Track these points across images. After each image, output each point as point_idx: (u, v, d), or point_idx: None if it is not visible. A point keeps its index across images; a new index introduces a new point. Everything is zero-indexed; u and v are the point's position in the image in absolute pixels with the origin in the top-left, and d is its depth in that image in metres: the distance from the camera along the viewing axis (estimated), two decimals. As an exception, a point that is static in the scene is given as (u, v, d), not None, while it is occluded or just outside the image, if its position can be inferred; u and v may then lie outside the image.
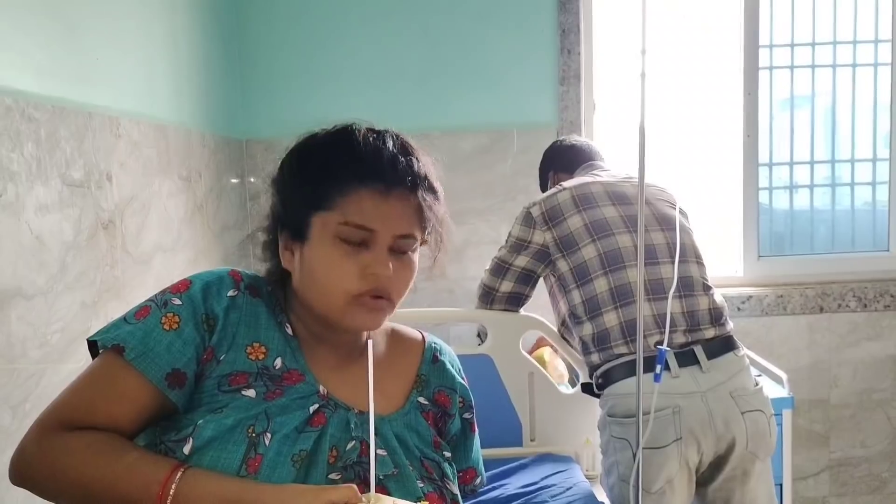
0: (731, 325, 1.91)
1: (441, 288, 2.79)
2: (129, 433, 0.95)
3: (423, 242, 1.05)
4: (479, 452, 1.23)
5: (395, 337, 1.17)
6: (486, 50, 2.75)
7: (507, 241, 2.02)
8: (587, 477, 2.01)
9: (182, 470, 0.88)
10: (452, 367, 1.18)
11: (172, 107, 2.05)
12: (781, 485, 2.15)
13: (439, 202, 1.04)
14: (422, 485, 1.01)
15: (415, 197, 0.99)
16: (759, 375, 2.20)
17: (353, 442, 0.99)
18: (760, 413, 1.82)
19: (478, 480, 1.22)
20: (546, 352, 2.36)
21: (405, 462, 1.02)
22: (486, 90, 2.76)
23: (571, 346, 2.05)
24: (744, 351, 1.91)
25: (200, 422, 0.94)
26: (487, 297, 2.08)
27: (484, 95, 2.76)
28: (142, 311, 0.99)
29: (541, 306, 2.14)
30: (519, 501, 1.81)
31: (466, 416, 1.18)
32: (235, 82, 2.66)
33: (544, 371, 2.17)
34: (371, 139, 1.00)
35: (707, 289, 1.92)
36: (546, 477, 1.93)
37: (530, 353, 2.25)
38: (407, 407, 1.09)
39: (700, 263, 1.95)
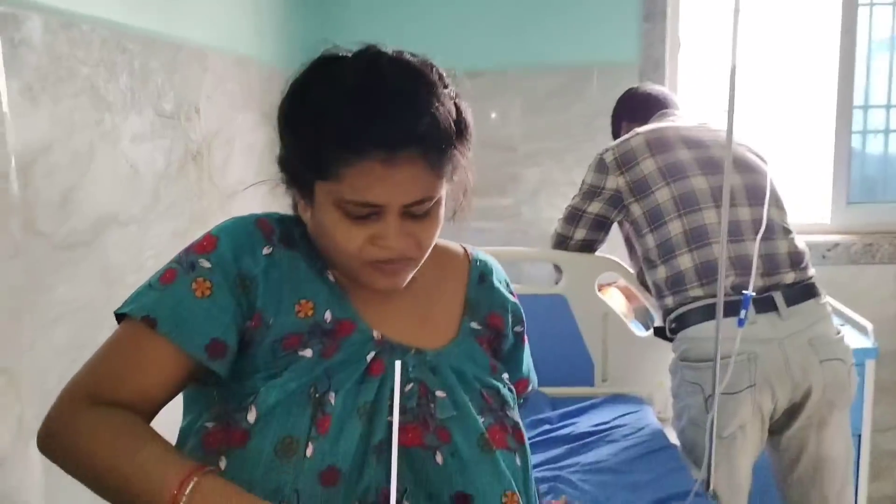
0: (812, 271, 1.86)
1: (514, 228, 2.79)
2: (160, 402, 0.92)
3: (451, 181, 0.95)
4: (530, 359, 1.18)
5: (437, 255, 1.05)
6: (568, -15, 2.67)
7: (580, 189, 2.01)
8: (658, 419, 2.01)
9: (195, 480, 0.81)
10: (500, 284, 1.12)
11: (255, 43, 2.08)
12: (860, 436, 2.11)
13: (462, 141, 0.93)
14: (482, 419, 0.98)
15: (428, 154, 0.88)
16: (843, 325, 2.15)
17: (412, 384, 0.96)
18: (840, 362, 1.78)
19: (529, 388, 1.18)
20: (613, 291, 2.34)
21: (464, 399, 0.98)
22: (566, 27, 2.69)
23: (648, 292, 2.04)
24: (826, 299, 1.86)
25: (262, 389, 0.90)
26: (562, 246, 2.09)
27: (563, 32, 2.69)
28: (166, 274, 0.93)
29: (617, 247, 2.12)
30: (591, 439, 1.83)
31: (517, 329, 1.13)
32: (316, 19, 2.67)
33: (618, 312, 2.16)
34: (371, 88, 0.88)
35: (787, 232, 1.87)
36: (618, 417, 1.94)
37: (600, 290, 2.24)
38: (460, 336, 1.05)
39: (780, 207, 1.90)
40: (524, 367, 1.16)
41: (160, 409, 0.93)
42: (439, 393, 0.97)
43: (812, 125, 2.84)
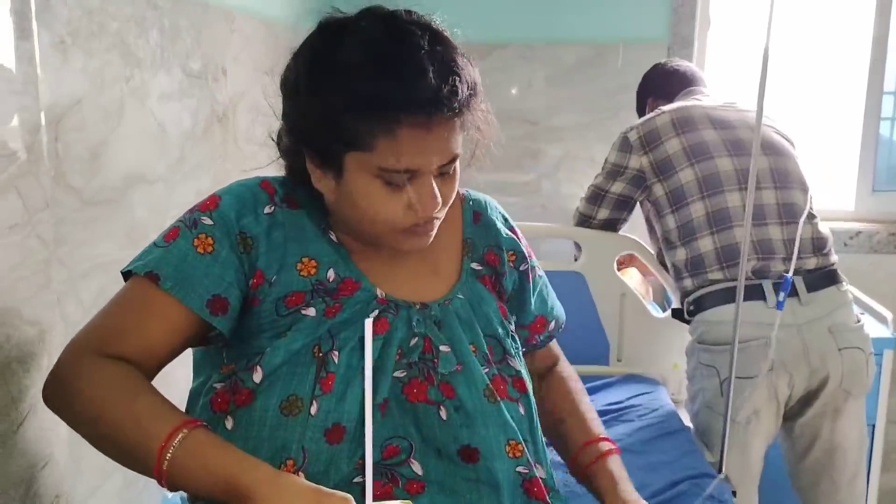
0: (835, 258, 1.84)
1: (534, 203, 2.77)
2: (164, 358, 0.93)
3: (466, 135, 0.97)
4: (547, 295, 1.18)
5: None
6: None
7: (603, 168, 1.99)
8: (673, 401, 2.01)
9: (183, 433, 0.83)
10: (497, 220, 1.12)
11: (283, 5, 2.06)
12: (874, 426, 2.10)
13: (478, 101, 0.94)
14: (486, 370, 0.99)
15: (460, 114, 0.90)
16: (863, 314, 2.13)
17: (416, 339, 0.97)
18: (859, 351, 1.77)
19: (551, 325, 1.18)
20: (632, 272, 2.33)
21: (468, 352, 0.98)
22: (594, 0, 2.64)
23: (667, 272, 2.02)
24: (847, 286, 1.84)
25: (268, 349, 0.91)
26: (585, 225, 2.08)
27: (591, 5, 2.65)
28: (171, 232, 0.94)
29: (637, 226, 2.10)
30: (605, 418, 1.83)
31: (522, 267, 1.11)
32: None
33: (636, 291, 2.15)
34: (397, 53, 0.87)
35: (811, 217, 1.85)
36: (632, 397, 1.94)
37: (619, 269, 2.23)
38: (463, 277, 1.05)
39: (805, 191, 1.87)
40: (537, 305, 1.15)
41: (164, 364, 0.94)
42: (443, 348, 0.98)
43: (841, 110, 2.80)
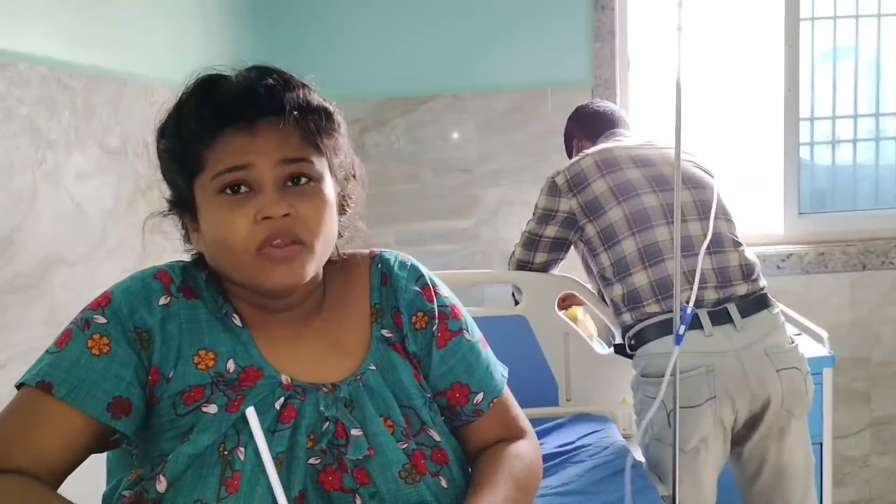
0: (763, 282, 1.89)
1: (474, 250, 2.79)
2: (62, 467, 0.87)
3: (335, 176, 0.96)
4: (475, 362, 1.06)
5: (343, 269, 1.04)
6: (518, 7, 2.70)
7: (534, 214, 2.03)
8: (624, 436, 2.01)
9: None
10: (402, 279, 1.05)
11: (188, 77, 2.06)
12: (822, 443, 2.14)
13: (333, 126, 0.94)
14: (404, 446, 0.94)
15: (291, 121, 0.89)
16: (799, 334, 2.18)
17: (328, 423, 0.93)
18: (796, 370, 1.80)
19: (478, 397, 1.04)
20: (579, 311, 2.36)
21: (382, 432, 0.94)
22: (519, 48, 2.72)
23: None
24: (779, 308, 1.89)
25: (171, 456, 0.87)
26: (523, 270, 2.09)
27: (516, 53, 2.72)
28: (63, 336, 0.90)
29: (575, 266, 2.13)
30: (556, 461, 1.82)
31: (432, 328, 1.04)
32: (265, 49, 2.66)
33: (579, 331, 2.17)
34: (224, 78, 0.92)
35: (737, 245, 1.90)
36: (583, 436, 1.94)
37: (560, 309, 2.25)
38: (373, 346, 1.00)
39: (728, 220, 1.93)
40: (455, 371, 1.04)
41: (64, 475, 0.88)
42: (354, 431, 0.93)
43: (761, 138, 2.90)
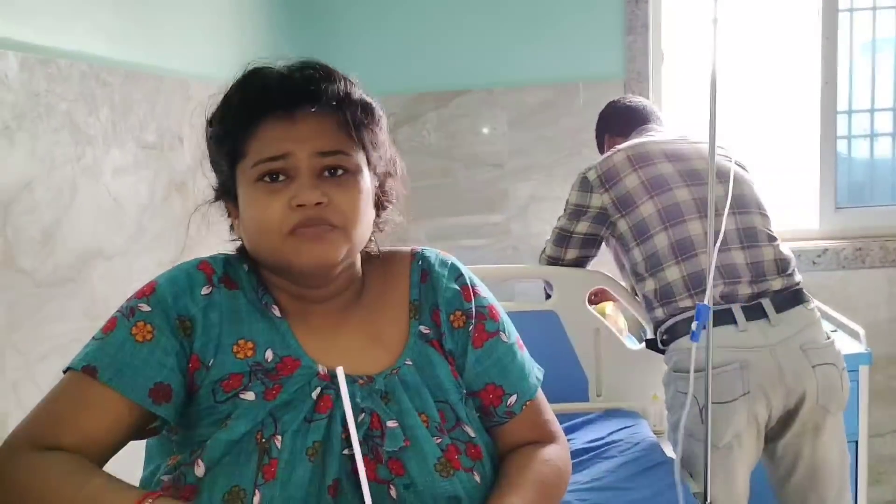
0: (799, 277, 1.87)
1: (505, 245, 2.79)
2: (107, 447, 0.90)
3: (373, 170, 0.97)
4: (510, 364, 1.06)
5: (383, 265, 1.06)
6: (551, 1, 2.69)
7: (565, 210, 2.02)
8: (654, 432, 2.00)
9: (149, 501, 0.81)
10: (443, 277, 1.05)
11: (236, 64, 2.08)
12: (857, 441, 2.10)
13: (373, 120, 0.97)
14: (438, 440, 0.95)
15: (332, 112, 0.93)
16: (835, 331, 2.15)
17: (363, 415, 0.94)
18: (832, 367, 1.78)
19: (511, 399, 1.04)
20: (608, 306, 2.34)
21: (417, 425, 0.95)
22: (551, 42, 2.70)
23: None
24: (814, 304, 1.87)
25: (209, 441, 0.89)
26: (554, 266, 2.09)
27: (548, 48, 2.71)
28: (109, 323, 0.93)
29: (607, 262, 2.12)
30: (586, 456, 1.82)
31: (469, 328, 1.04)
32: (298, 45, 2.68)
33: (610, 326, 2.16)
34: (268, 69, 0.95)
35: (771, 239, 1.88)
36: (613, 432, 1.93)
37: (590, 304, 2.24)
38: (411, 341, 1.01)
39: (763, 214, 1.91)
40: (489, 372, 1.04)
41: (109, 453, 0.90)
42: (390, 423, 0.94)
43: (798, 131, 2.86)
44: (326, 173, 0.93)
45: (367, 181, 0.96)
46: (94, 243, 1.29)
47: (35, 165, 1.13)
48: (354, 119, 0.94)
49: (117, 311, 0.94)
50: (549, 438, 1.08)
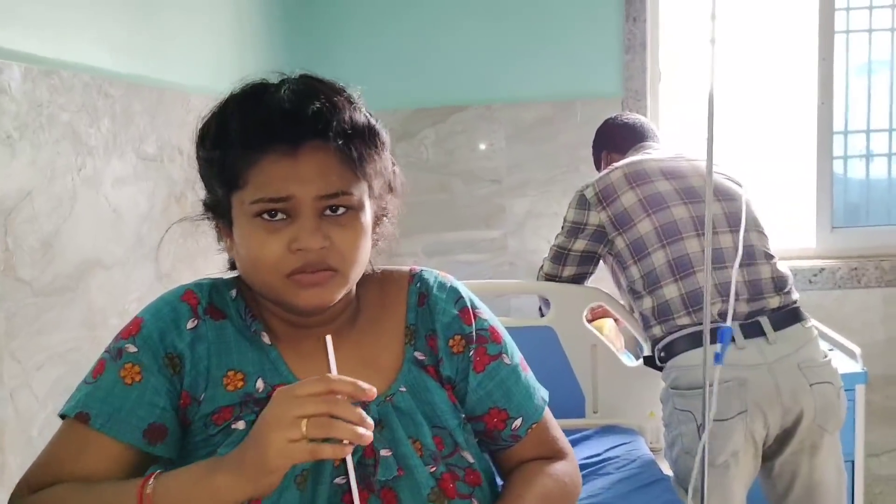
0: (796, 295, 1.88)
1: (502, 260, 2.79)
2: None
3: (374, 197, 0.94)
4: (514, 387, 1.03)
5: (380, 286, 1.02)
6: (550, 19, 2.71)
7: (563, 227, 2.02)
8: (651, 450, 2.00)
9: (153, 477, 0.82)
10: (441, 301, 1.03)
11: (236, 78, 2.10)
12: (853, 461, 2.10)
13: (377, 147, 0.91)
14: (433, 469, 0.93)
15: (336, 147, 0.87)
16: (832, 350, 2.15)
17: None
18: (829, 385, 1.78)
19: (516, 423, 1.02)
20: (606, 323, 2.35)
21: (411, 454, 0.93)
22: (550, 59, 2.72)
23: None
24: (811, 322, 1.87)
25: None
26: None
27: (547, 65, 2.73)
28: (97, 367, 0.92)
29: (605, 279, 2.13)
30: (583, 472, 1.80)
31: (470, 353, 1.01)
32: (297, 60, 2.69)
33: (608, 343, 2.16)
34: (270, 91, 0.89)
35: (769, 257, 1.89)
36: (609, 449, 1.93)
37: (589, 321, 2.24)
38: (405, 367, 0.99)
39: (760, 232, 1.92)
40: (493, 396, 1.02)
41: None
42: (384, 452, 0.92)
43: (794, 151, 2.87)
44: (328, 211, 0.89)
45: (368, 215, 0.93)
46: (93, 253, 1.29)
47: (36, 175, 1.13)
48: (360, 154, 0.89)
49: (105, 352, 0.93)
50: (557, 456, 1.06)
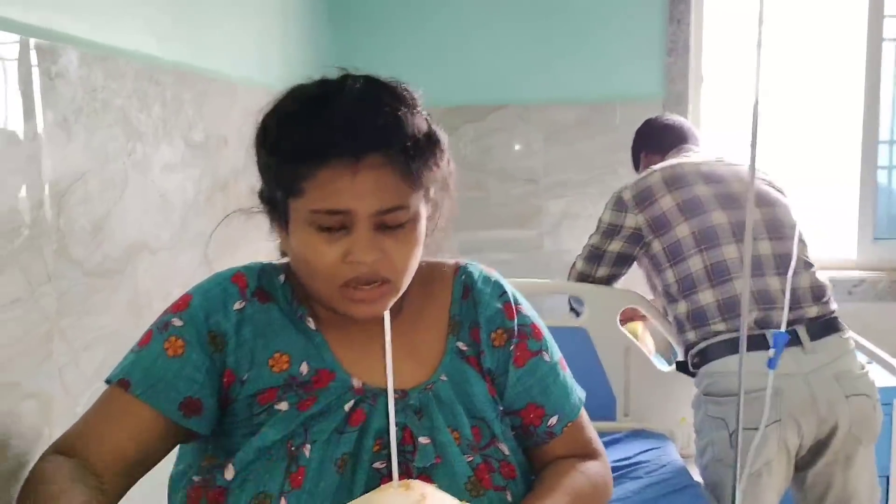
0: (834, 305, 1.85)
1: (537, 261, 2.79)
2: (135, 460, 0.90)
3: (429, 200, 0.94)
4: (552, 385, 1.04)
5: (425, 277, 1.02)
6: (591, 20, 2.70)
7: (598, 228, 2.02)
8: (681, 456, 1.98)
9: None
10: (485, 295, 1.03)
11: (283, 75, 2.12)
12: (888, 476, 2.07)
13: (435, 156, 0.91)
14: (470, 459, 0.94)
15: (396, 160, 0.87)
16: (869, 363, 2.12)
17: (396, 429, 0.93)
18: (866, 397, 1.76)
19: (552, 420, 1.03)
20: (639, 326, 2.33)
21: (448, 442, 0.94)
22: (590, 60, 2.72)
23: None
24: (849, 333, 1.84)
25: (240, 450, 0.91)
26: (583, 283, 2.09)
27: (587, 66, 2.72)
28: (145, 337, 0.94)
29: (635, 280, 2.12)
30: (613, 475, 1.80)
31: (510, 347, 1.02)
32: (340, 55, 2.72)
33: (640, 346, 2.15)
34: (330, 98, 0.88)
35: (808, 266, 1.87)
36: (640, 453, 1.92)
37: (621, 324, 2.23)
38: (447, 358, 1.00)
39: (801, 240, 1.89)
40: (531, 392, 1.03)
41: (137, 468, 0.91)
42: (422, 439, 0.94)
43: (837, 160, 2.83)
44: (383, 223, 0.89)
45: (423, 223, 0.93)
46: (140, 237, 1.31)
47: (90, 158, 1.16)
48: (419, 166, 0.89)
49: (153, 324, 0.96)
50: (590, 455, 1.07)
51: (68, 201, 1.10)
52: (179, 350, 0.91)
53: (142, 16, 1.37)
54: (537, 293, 2.53)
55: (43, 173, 1.04)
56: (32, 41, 1.03)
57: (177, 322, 0.93)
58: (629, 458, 1.90)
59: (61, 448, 0.89)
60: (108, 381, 0.93)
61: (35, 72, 1.03)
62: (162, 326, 0.94)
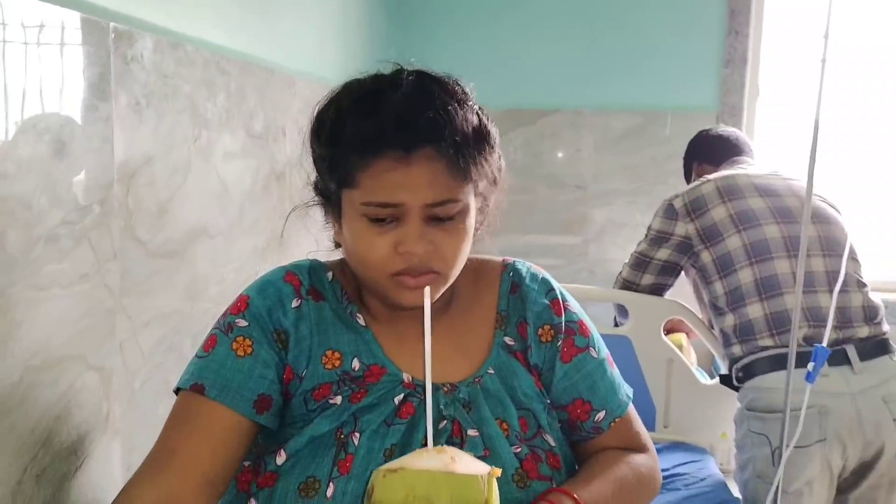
0: (887, 327, 1.82)
1: (581, 267, 2.78)
2: (224, 465, 0.91)
3: (479, 194, 0.95)
4: (600, 381, 1.05)
5: (473, 273, 1.04)
6: (648, 29, 2.69)
7: (646, 235, 2.00)
8: (721, 471, 1.96)
9: None
10: (533, 291, 1.05)
11: (342, 69, 2.15)
12: (934, 504, 2.01)
13: (486, 150, 0.92)
14: (518, 449, 0.96)
15: (447, 154, 0.88)
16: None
17: (445, 422, 0.95)
18: (916, 423, 1.72)
19: (599, 415, 1.04)
20: (683, 337, 2.31)
21: (497, 435, 0.96)
22: (645, 69, 2.70)
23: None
24: (900, 356, 1.81)
25: (292, 437, 0.93)
26: (629, 290, 2.07)
27: (641, 74, 2.71)
28: (209, 341, 0.95)
29: (683, 292, 2.10)
30: (650, 484, 1.79)
31: (558, 343, 1.03)
32: (396, 54, 2.73)
33: (684, 358, 2.13)
34: (384, 91, 0.90)
35: (861, 285, 1.83)
36: (679, 465, 1.90)
37: (665, 334, 2.21)
38: (494, 351, 1.01)
39: (854, 259, 1.86)
40: (578, 388, 1.04)
41: (221, 473, 0.91)
42: (471, 432, 0.95)
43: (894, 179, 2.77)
44: (434, 216, 0.91)
45: (472, 216, 0.95)
46: (200, 222, 1.34)
47: (158, 142, 1.19)
48: (469, 161, 0.90)
49: (214, 328, 0.97)
50: (638, 449, 1.08)
51: (136, 182, 1.13)
52: (248, 349, 0.93)
53: (213, 5, 1.41)
54: (580, 299, 2.51)
55: (115, 155, 1.08)
56: (112, 25, 1.06)
57: (241, 322, 0.95)
58: (667, 469, 1.88)
59: (148, 470, 0.89)
60: (178, 390, 0.94)
61: (112, 55, 1.06)
62: (226, 328, 0.95)
